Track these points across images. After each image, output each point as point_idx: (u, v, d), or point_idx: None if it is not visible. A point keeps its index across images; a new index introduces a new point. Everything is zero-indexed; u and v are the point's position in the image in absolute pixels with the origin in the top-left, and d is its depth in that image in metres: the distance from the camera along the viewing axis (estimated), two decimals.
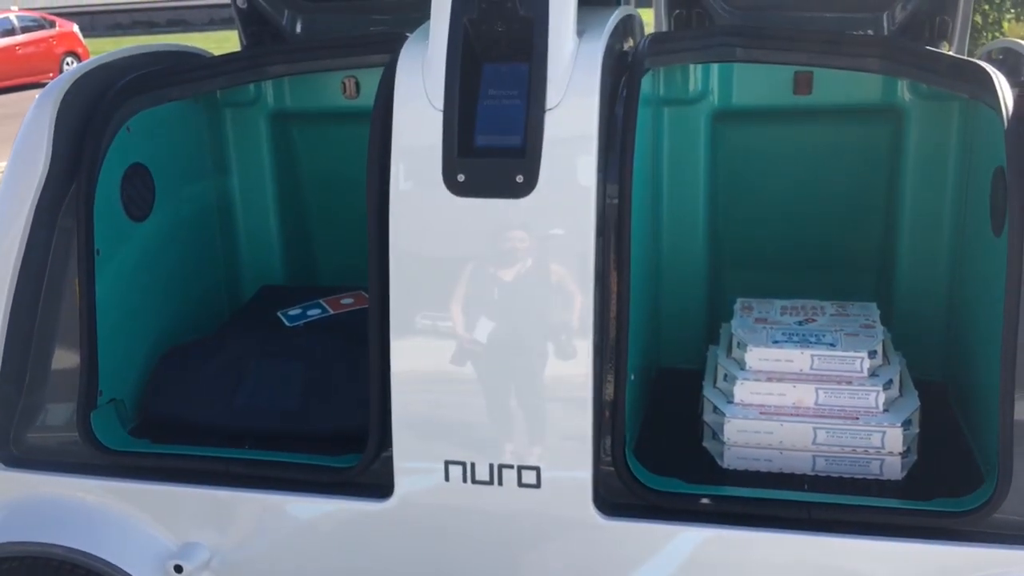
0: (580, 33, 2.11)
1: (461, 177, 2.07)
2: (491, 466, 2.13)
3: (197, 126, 2.87)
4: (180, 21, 29.26)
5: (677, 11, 2.85)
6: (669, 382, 2.72)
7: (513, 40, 2.09)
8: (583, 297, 2.05)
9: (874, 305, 2.51)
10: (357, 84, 2.91)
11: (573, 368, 2.08)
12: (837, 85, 2.62)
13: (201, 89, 2.67)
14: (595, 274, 2.06)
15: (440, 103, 2.08)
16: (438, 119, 2.08)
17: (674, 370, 2.76)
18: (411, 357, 2.14)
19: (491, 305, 2.09)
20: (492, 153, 2.07)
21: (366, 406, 2.22)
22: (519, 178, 2.04)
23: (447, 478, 2.16)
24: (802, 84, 2.63)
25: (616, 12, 2.30)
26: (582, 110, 2.05)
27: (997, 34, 10.26)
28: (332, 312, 2.79)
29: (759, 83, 2.66)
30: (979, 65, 2.19)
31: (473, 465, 2.14)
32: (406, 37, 2.27)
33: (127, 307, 2.49)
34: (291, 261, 3.11)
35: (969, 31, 2.75)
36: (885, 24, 2.73)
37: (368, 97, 2.79)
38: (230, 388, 2.48)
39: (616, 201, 2.08)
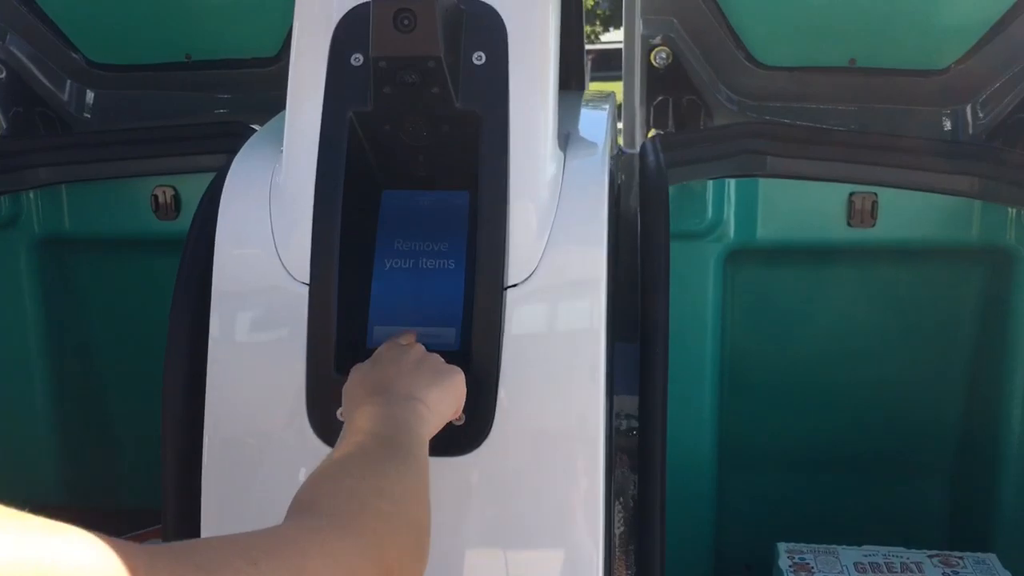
0: (561, 138, 1.17)
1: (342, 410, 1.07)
2: None
3: None
4: None
5: (660, 98, 1.94)
6: None
7: (440, 153, 1.13)
8: None
9: (994, 556, 1.63)
10: (176, 198, 1.89)
11: None
12: (910, 214, 1.76)
13: None
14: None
15: (304, 272, 1.09)
16: (300, 300, 1.09)
17: None
18: None
19: None
20: None
21: None
22: (456, 419, 1.06)
23: None
24: (861, 211, 1.76)
25: (609, 104, 1.37)
26: (576, 286, 1.09)
27: None
28: None
29: (796, 208, 1.78)
30: None
31: None
32: (250, 129, 1.31)
33: None
34: (70, 470, 2.03)
35: None
36: (969, 122, 1.88)
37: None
38: None
39: (636, 435, 1.14)
